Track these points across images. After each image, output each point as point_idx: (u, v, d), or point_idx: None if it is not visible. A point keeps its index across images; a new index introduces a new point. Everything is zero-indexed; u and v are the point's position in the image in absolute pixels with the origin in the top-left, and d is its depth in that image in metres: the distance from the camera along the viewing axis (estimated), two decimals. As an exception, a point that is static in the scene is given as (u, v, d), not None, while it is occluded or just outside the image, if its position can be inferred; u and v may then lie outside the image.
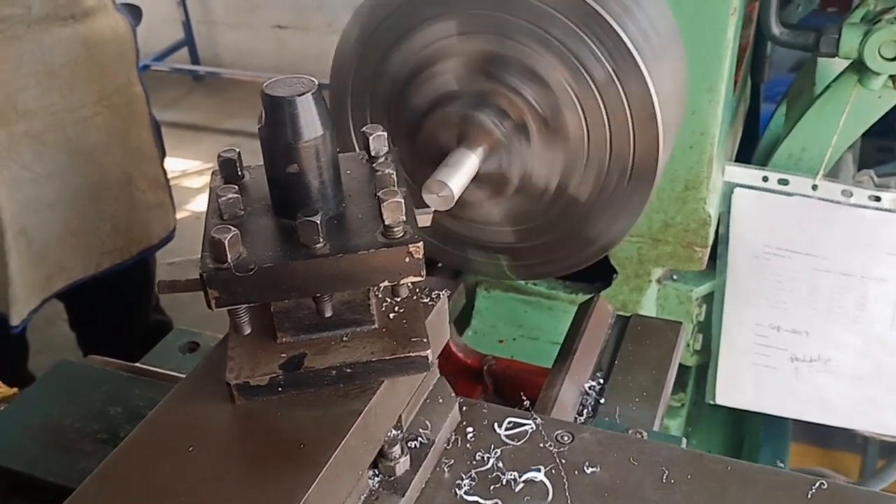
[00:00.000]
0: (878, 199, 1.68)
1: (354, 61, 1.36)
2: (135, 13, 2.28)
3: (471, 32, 1.26)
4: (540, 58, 1.24)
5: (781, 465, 1.96)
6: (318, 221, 0.87)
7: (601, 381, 1.35)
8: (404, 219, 0.89)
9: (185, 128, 5.71)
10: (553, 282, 1.87)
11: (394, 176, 0.96)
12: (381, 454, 0.99)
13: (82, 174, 2.15)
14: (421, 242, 0.90)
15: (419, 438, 1.05)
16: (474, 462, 1.05)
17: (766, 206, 1.75)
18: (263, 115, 0.90)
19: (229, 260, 0.86)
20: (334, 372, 0.94)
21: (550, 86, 1.25)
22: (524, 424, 1.09)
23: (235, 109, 5.91)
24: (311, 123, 0.89)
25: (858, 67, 1.64)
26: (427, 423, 1.07)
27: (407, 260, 0.90)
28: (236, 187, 0.94)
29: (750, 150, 2.07)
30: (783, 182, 1.73)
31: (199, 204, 4.39)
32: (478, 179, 1.26)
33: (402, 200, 0.88)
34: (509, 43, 1.24)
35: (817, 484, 0.99)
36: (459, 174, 1.20)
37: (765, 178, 1.74)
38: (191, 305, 1.31)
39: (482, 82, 1.27)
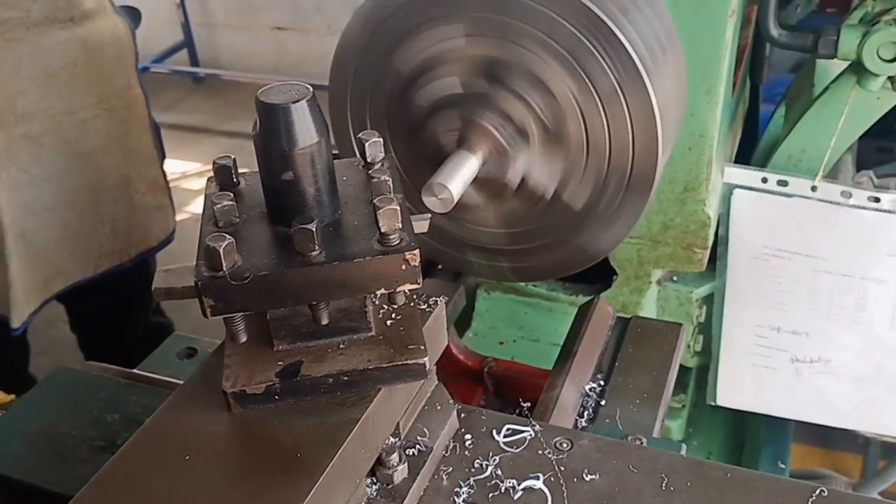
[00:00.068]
0: (877, 200, 1.68)
1: (354, 62, 1.36)
2: (134, 16, 2.28)
3: (476, 35, 1.26)
4: (546, 66, 1.24)
5: (783, 465, 1.96)
6: (314, 229, 0.87)
7: (602, 382, 1.35)
8: (400, 226, 0.89)
9: (184, 130, 5.71)
10: (553, 283, 1.87)
11: (390, 182, 0.95)
12: (379, 462, 0.99)
13: (81, 177, 2.15)
14: (417, 250, 0.89)
15: (417, 446, 1.05)
16: (473, 469, 1.04)
17: (766, 208, 1.74)
18: (258, 123, 0.89)
19: (224, 268, 0.86)
20: (331, 380, 0.94)
21: (555, 94, 1.25)
22: (523, 431, 1.09)
23: (235, 111, 5.91)
24: (306, 130, 0.89)
25: (857, 69, 1.63)
26: (425, 430, 1.06)
27: (403, 267, 0.90)
28: (231, 194, 0.94)
29: (749, 150, 2.07)
30: (782, 183, 1.72)
31: (199, 206, 4.37)
32: (476, 183, 1.26)
33: (398, 208, 0.88)
34: (516, 49, 1.24)
35: (817, 491, 0.98)
36: (459, 177, 1.20)
37: (764, 180, 1.74)
38: (192, 307, 1.31)
39: (486, 86, 1.27)
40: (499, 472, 1.03)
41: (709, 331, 1.89)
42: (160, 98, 5.15)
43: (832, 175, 1.80)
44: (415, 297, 1.04)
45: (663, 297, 1.85)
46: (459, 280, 1.75)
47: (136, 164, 2.27)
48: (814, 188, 1.71)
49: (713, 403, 1.93)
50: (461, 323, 1.89)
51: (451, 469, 1.05)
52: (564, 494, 1.00)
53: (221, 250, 0.85)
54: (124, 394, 1.29)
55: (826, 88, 1.74)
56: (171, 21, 6.41)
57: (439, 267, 1.77)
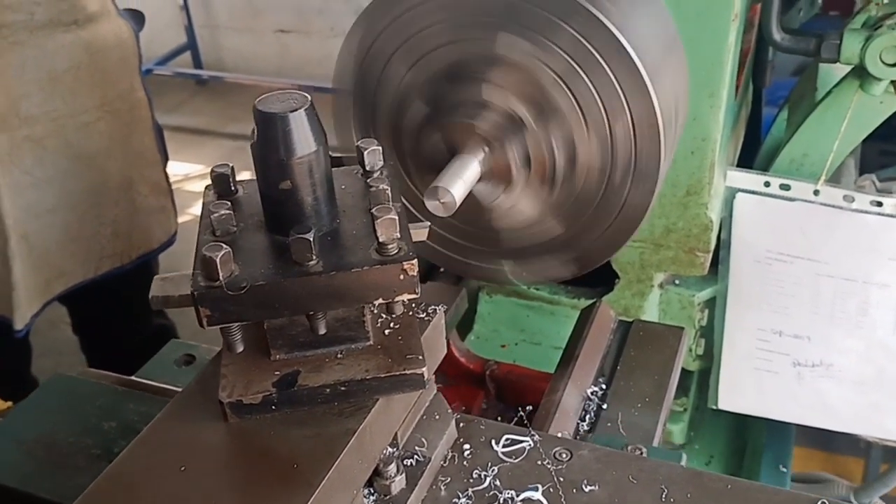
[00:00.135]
0: (879, 204, 1.68)
1: (358, 65, 1.36)
2: (137, 18, 2.28)
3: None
4: (587, 141, 1.25)
5: (784, 469, 1.95)
6: (311, 239, 0.86)
7: (603, 386, 1.35)
8: (398, 235, 0.88)
9: (187, 132, 5.72)
10: (555, 286, 1.87)
11: (388, 191, 0.94)
12: (377, 472, 0.98)
13: (83, 179, 2.15)
14: (415, 260, 0.89)
15: (415, 456, 1.04)
16: (471, 480, 1.04)
17: (768, 211, 1.74)
18: (256, 131, 0.89)
19: (221, 278, 0.85)
20: (328, 390, 0.93)
21: (576, 166, 1.26)
22: (521, 441, 1.08)
23: (238, 113, 5.92)
24: (304, 139, 0.88)
25: (860, 73, 1.64)
26: (423, 440, 1.05)
27: (401, 277, 0.89)
28: (229, 203, 0.93)
29: (752, 153, 2.07)
30: (785, 187, 1.73)
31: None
32: (484, 178, 1.26)
33: (397, 217, 0.87)
34: (574, 111, 1.25)
35: (818, 503, 0.98)
36: (460, 180, 1.20)
37: (766, 184, 1.74)
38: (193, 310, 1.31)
39: (527, 115, 1.26)
40: (497, 482, 1.03)
41: (711, 334, 1.89)
42: (163, 100, 5.15)
43: (835, 179, 1.80)
44: (413, 305, 1.02)
45: (665, 301, 1.85)
46: (461, 283, 1.75)
47: (139, 167, 2.27)
48: (816, 192, 1.71)
49: (715, 407, 1.93)
50: (463, 326, 1.89)
51: (449, 479, 1.04)
52: (563, 506, 0.99)
53: (218, 260, 0.84)
54: (121, 401, 1.28)
55: (829, 92, 1.74)
56: (174, 23, 6.42)
57: (441, 270, 1.77)
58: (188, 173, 5.16)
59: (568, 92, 1.24)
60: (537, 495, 1.00)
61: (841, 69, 1.71)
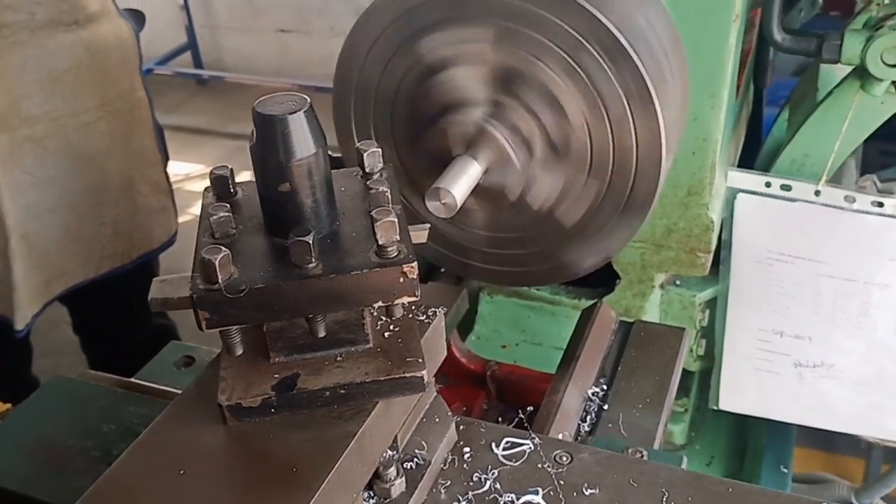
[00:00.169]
0: (880, 204, 1.68)
1: (359, 63, 1.36)
2: (138, 18, 2.28)
3: (502, 44, 1.26)
4: (562, 85, 1.24)
5: (785, 470, 1.95)
6: (311, 241, 0.86)
7: (604, 387, 1.35)
8: (398, 238, 0.88)
9: (188, 132, 5.72)
10: (556, 287, 1.87)
11: (388, 194, 0.94)
12: (376, 475, 0.98)
13: (84, 179, 2.15)
14: (415, 262, 0.88)
15: (415, 459, 1.03)
16: (471, 483, 1.03)
17: (769, 212, 1.74)
18: (255, 133, 0.88)
19: (220, 281, 0.85)
20: (328, 393, 0.92)
21: (567, 115, 1.26)
22: (522, 444, 1.08)
23: (238, 113, 5.92)
24: (303, 142, 0.87)
25: (861, 73, 1.64)
26: (423, 443, 1.05)
27: (401, 280, 0.88)
28: (228, 205, 0.93)
29: (753, 153, 2.07)
30: (786, 188, 1.72)
31: (202, 208, 4.41)
32: (475, 190, 1.26)
33: (396, 220, 0.87)
34: (536, 64, 1.24)
35: (819, 506, 0.98)
36: (462, 182, 1.20)
37: (767, 184, 1.74)
38: (194, 311, 1.31)
39: (502, 96, 1.27)
40: (497, 485, 1.02)
41: (712, 335, 1.89)
42: (164, 100, 5.15)
43: (836, 179, 1.80)
44: (413, 307, 1.02)
45: (666, 301, 1.85)
46: (462, 283, 1.75)
47: (140, 167, 2.27)
48: (817, 193, 1.71)
49: (716, 407, 1.93)
50: (464, 326, 1.89)
51: (449, 483, 1.03)
52: (564, 510, 0.98)
53: (217, 263, 0.84)
54: (121, 403, 1.27)
55: (830, 93, 1.74)
56: (174, 23, 6.42)
57: (442, 270, 1.77)
58: (189, 173, 5.16)
59: (588, 146, 1.26)
60: (537, 499, 1.00)
61: (842, 69, 1.71)
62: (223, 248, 0.85)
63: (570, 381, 1.31)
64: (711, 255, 1.75)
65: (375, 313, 0.99)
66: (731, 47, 1.53)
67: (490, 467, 1.05)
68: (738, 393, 1.90)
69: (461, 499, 1.01)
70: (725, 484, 1.01)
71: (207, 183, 1.02)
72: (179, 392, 1.02)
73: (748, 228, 1.76)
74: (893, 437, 1.88)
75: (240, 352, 0.94)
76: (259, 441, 0.91)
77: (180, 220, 2.46)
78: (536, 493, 1.01)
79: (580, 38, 1.20)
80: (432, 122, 1.30)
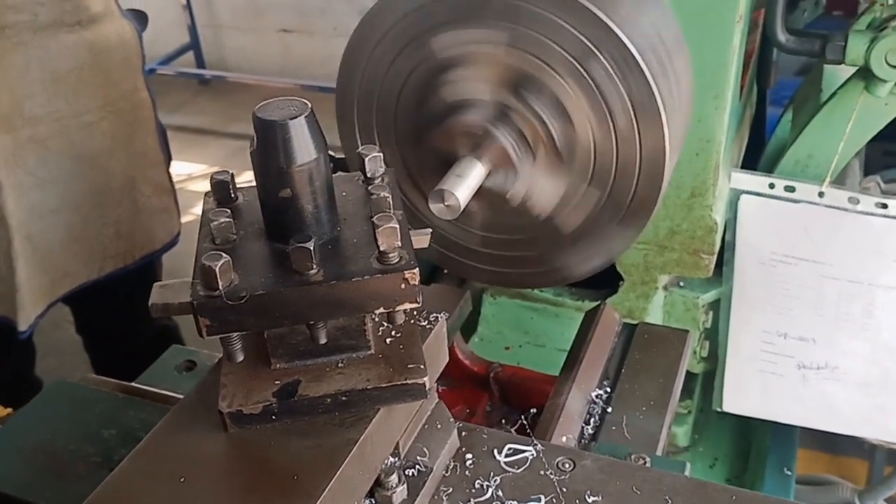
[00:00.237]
0: (884, 206, 1.68)
1: (363, 63, 1.36)
2: (141, 19, 2.28)
3: (516, 48, 1.25)
4: (571, 96, 1.24)
5: (789, 472, 1.95)
6: (311, 248, 0.85)
7: (608, 389, 1.35)
8: (399, 244, 0.87)
9: (191, 132, 5.72)
10: (559, 288, 1.87)
11: (389, 199, 0.93)
12: (378, 483, 0.97)
13: (86, 180, 2.15)
14: (417, 269, 0.88)
15: (417, 466, 1.03)
16: (473, 490, 1.03)
17: (773, 213, 1.74)
18: (255, 139, 0.88)
19: (220, 287, 0.84)
20: (329, 400, 0.92)
21: (574, 125, 1.26)
22: (524, 451, 1.07)
23: (241, 113, 5.91)
24: (304, 147, 0.87)
25: (865, 74, 1.63)
26: (425, 450, 1.04)
27: (403, 286, 0.88)
28: (228, 211, 0.92)
29: (756, 154, 2.06)
30: (790, 189, 1.72)
31: (205, 208, 4.41)
32: (477, 193, 1.26)
33: (398, 225, 0.86)
34: (548, 72, 1.24)
35: (823, 514, 0.98)
36: (466, 184, 1.20)
37: (771, 185, 1.73)
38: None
39: (512, 100, 1.26)
40: (500, 493, 1.02)
41: (715, 336, 1.88)
42: (166, 100, 5.15)
43: (839, 180, 1.80)
44: (415, 313, 1.01)
45: (670, 303, 1.84)
46: (465, 285, 1.75)
47: (142, 167, 2.27)
48: (821, 194, 1.70)
49: (719, 409, 1.92)
50: (467, 328, 1.89)
51: (451, 490, 1.03)
52: (566, 517, 0.98)
53: (217, 269, 0.83)
54: (122, 408, 1.27)
55: (834, 94, 1.73)
56: (177, 23, 6.42)
57: (444, 272, 1.76)
58: (191, 173, 5.16)
59: (539, 62, 1.24)
60: None
61: (845, 70, 1.70)
62: (224, 255, 0.85)
63: (573, 384, 1.31)
64: (715, 256, 1.74)
65: (377, 319, 0.98)
66: (734, 48, 1.53)
67: (492, 474, 1.04)
68: (741, 395, 1.89)
69: (463, 506, 1.00)
70: (729, 492, 1.01)
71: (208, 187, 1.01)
72: (180, 397, 1.02)
73: (752, 230, 1.76)
74: (897, 439, 1.87)
75: (241, 358, 0.93)
76: (260, 448, 0.91)
77: (183, 220, 2.46)
78: (539, 500, 1.00)
79: (593, 47, 1.21)
80: (437, 120, 1.30)
